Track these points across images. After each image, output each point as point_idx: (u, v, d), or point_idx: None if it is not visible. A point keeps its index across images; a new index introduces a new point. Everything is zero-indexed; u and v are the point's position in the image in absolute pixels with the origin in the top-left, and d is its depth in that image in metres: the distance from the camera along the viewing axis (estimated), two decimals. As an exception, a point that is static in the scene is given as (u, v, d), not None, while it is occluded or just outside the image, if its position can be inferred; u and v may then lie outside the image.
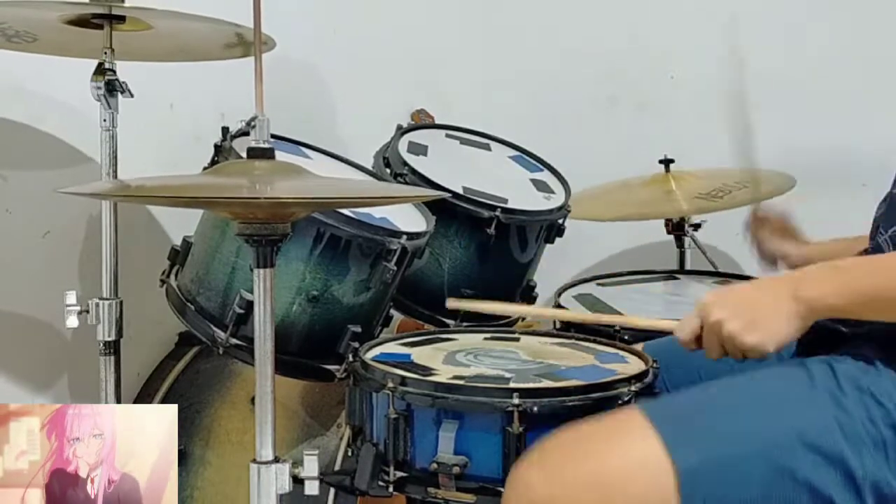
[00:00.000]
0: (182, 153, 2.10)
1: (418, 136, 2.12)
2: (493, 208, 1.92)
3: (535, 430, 1.33)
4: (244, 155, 1.41)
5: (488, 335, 1.72)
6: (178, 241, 1.84)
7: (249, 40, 1.84)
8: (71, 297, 1.77)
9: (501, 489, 1.32)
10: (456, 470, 1.35)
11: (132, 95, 1.80)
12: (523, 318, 2.13)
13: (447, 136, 2.20)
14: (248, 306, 1.64)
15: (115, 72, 1.80)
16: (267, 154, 1.34)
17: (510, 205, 1.95)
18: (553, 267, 2.24)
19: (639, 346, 1.62)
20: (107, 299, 1.83)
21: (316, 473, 1.34)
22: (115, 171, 1.84)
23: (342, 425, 1.88)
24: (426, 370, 1.47)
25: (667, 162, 2.36)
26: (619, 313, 1.96)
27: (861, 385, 1.24)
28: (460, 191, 1.93)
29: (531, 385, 1.40)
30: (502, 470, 1.33)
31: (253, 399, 1.40)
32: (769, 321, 1.29)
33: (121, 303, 1.84)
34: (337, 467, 1.81)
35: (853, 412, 1.22)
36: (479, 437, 1.36)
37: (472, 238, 1.94)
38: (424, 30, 2.74)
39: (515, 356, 1.57)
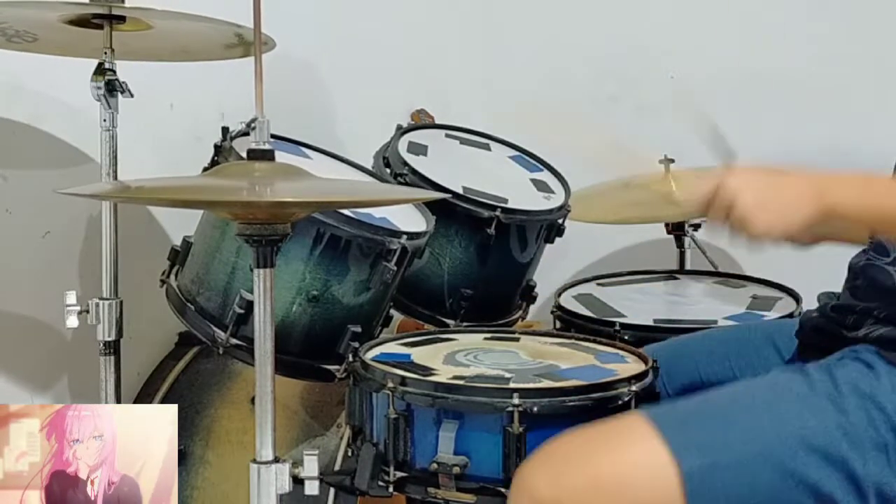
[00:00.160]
0: (182, 153, 2.10)
1: (418, 136, 2.12)
2: (493, 208, 1.92)
3: (535, 430, 1.33)
4: (244, 155, 1.41)
5: (488, 335, 1.72)
6: (178, 241, 1.84)
7: (249, 40, 1.84)
8: (71, 297, 1.77)
9: (501, 489, 1.33)
10: (456, 470, 1.35)
11: (132, 95, 1.80)
12: (523, 318, 2.13)
13: (447, 136, 2.20)
14: (248, 306, 1.64)
15: (115, 72, 1.79)
16: (267, 155, 1.34)
17: (510, 205, 1.95)
18: (553, 267, 2.24)
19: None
20: (107, 299, 1.83)
21: (316, 473, 1.34)
22: (115, 172, 1.84)
23: (342, 425, 1.88)
24: (426, 370, 1.47)
25: (667, 162, 2.36)
26: (620, 313, 1.97)
27: (861, 389, 1.25)
28: (460, 191, 1.93)
29: (531, 385, 1.40)
30: (502, 470, 1.34)
31: (253, 399, 1.40)
32: (783, 209, 1.26)
33: (121, 303, 1.84)
34: (337, 467, 1.81)
35: (854, 416, 1.23)
36: (479, 437, 1.36)
37: (472, 238, 1.94)
38: (424, 30, 2.73)
39: (515, 356, 1.57)
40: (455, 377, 1.44)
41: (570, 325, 1.94)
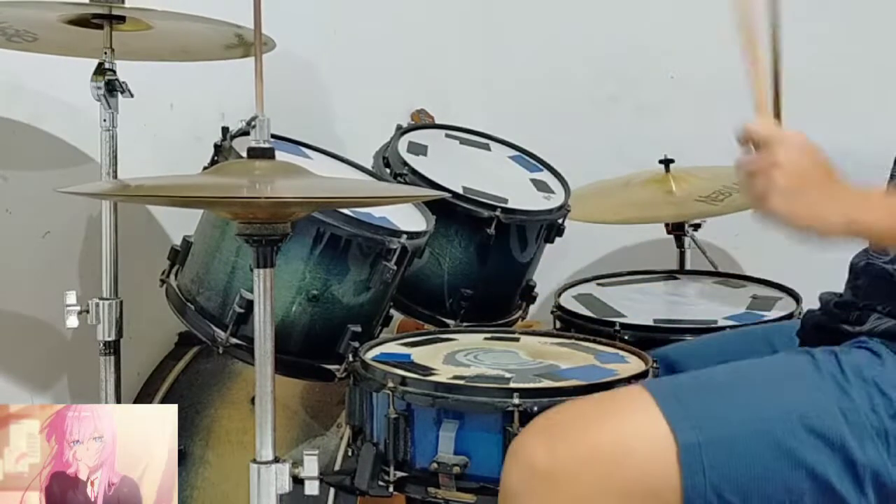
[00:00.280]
0: (182, 153, 2.11)
1: (418, 136, 2.12)
2: (493, 208, 1.92)
3: (536, 430, 1.33)
4: (244, 155, 1.41)
5: (488, 335, 1.72)
6: (178, 241, 1.84)
7: (249, 40, 1.84)
8: (71, 297, 1.77)
9: (502, 489, 1.33)
10: (456, 470, 1.35)
11: (132, 95, 1.80)
12: (523, 318, 2.13)
13: (447, 136, 2.20)
14: (248, 306, 1.64)
15: (115, 72, 1.79)
16: (267, 154, 1.34)
17: (510, 205, 1.95)
18: (553, 267, 2.24)
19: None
20: (107, 299, 1.83)
21: (316, 473, 1.34)
22: (115, 171, 1.84)
23: (342, 425, 1.88)
24: (426, 370, 1.47)
25: (667, 162, 2.36)
26: (620, 313, 1.96)
27: (865, 375, 1.24)
28: (460, 191, 1.93)
29: (531, 385, 1.41)
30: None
31: (253, 399, 1.40)
32: (811, 208, 1.21)
33: (121, 303, 1.84)
34: (337, 467, 1.81)
35: (856, 400, 1.22)
36: (479, 437, 1.36)
37: (472, 238, 1.94)
38: (424, 30, 2.73)
39: (515, 356, 1.57)
40: (455, 377, 1.44)
41: (570, 325, 1.94)
